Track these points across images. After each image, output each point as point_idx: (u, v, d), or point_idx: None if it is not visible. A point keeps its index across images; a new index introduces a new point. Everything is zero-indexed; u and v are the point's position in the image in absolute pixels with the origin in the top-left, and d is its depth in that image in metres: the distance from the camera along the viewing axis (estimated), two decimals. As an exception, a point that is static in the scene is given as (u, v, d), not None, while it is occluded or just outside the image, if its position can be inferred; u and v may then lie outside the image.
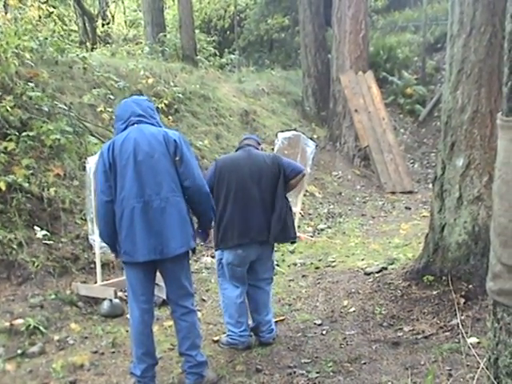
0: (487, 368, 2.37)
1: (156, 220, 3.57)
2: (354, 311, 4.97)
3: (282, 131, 8.68)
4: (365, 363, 3.97)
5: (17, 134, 6.18)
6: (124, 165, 3.59)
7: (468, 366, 3.57)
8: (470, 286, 4.62)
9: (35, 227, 5.65)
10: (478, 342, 3.89)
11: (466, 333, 3.90)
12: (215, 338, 4.56)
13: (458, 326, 4.09)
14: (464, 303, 4.52)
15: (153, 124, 3.78)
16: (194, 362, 3.73)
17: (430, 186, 7.91)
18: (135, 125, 3.72)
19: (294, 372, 3.92)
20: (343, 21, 12.71)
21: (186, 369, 3.77)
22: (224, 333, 4.55)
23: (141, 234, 3.55)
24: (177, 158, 3.67)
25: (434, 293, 4.79)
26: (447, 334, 4.26)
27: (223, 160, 4.45)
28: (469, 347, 3.54)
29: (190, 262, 3.90)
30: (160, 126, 3.84)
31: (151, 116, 3.82)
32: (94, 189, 5.30)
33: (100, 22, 18.15)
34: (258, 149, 4.58)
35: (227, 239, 4.25)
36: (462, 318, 4.29)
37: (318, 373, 3.87)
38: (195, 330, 3.79)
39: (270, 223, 4.28)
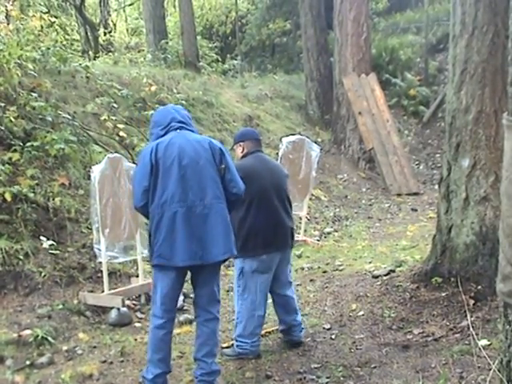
0: (499, 370, 2.36)
1: (198, 226, 3.55)
2: (362, 315, 4.94)
3: (287, 135, 8.67)
4: (375, 367, 3.94)
5: (21, 144, 6.19)
6: (168, 168, 3.57)
7: (479, 368, 3.54)
8: (479, 287, 4.60)
9: (41, 237, 5.64)
10: (489, 344, 3.87)
11: (477, 334, 3.87)
12: (224, 345, 4.53)
13: (468, 328, 4.05)
14: (473, 304, 4.50)
15: (193, 131, 3.82)
16: (208, 369, 3.68)
17: (436, 187, 7.88)
18: (177, 130, 3.72)
19: (304, 378, 3.89)
20: (345, 24, 12.71)
21: (197, 375, 3.71)
22: (232, 339, 4.52)
23: (182, 239, 3.52)
24: (222, 166, 3.70)
25: (443, 294, 4.76)
26: (457, 335, 4.24)
27: (240, 169, 4.16)
28: (480, 349, 3.51)
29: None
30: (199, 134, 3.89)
31: (190, 124, 3.86)
32: (99, 197, 5.32)
33: (102, 30, 18.19)
34: (262, 149, 4.61)
35: (248, 248, 4.18)
36: (472, 319, 4.24)
37: (328, 378, 3.85)
38: (215, 337, 3.77)
39: (291, 230, 4.43)
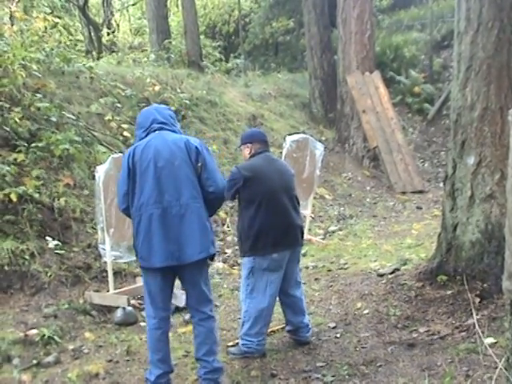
0: (506, 368, 2.35)
1: (174, 226, 3.58)
2: (367, 313, 4.94)
3: (290, 134, 8.65)
4: (380, 365, 3.94)
5: (26, 145, 6.21)
6: (144, 171, 3.63)
7: (485, 366, 3.54)
8: (485, 285, 4.58)
9: (47, 237, 5.66)
10: (495, 342, 3.85)
11: (483, 332, 3.86)
12: (229, 344, 4.54)
13: (474, 326, 4.05)
14: (479, 302, 4.48)
15: (174, 131, 3.83)
16: (210, 367, 3.72)
17: (441, 184, 7.88)
18: (157, 131, 3.75)
19: (310, 376, 3.90)
20: (348, 21, 12.67)
21: (201, 375, 3.75)
22: (237, 338, 4.52)
23: (158, 240, 3.57)
24: (199, 164, 3.70)
25: (449, 293, 4.75)
26: (463, 334, 4.22)
27: (248, 169, 4.27)
28: (486, 347, 3.51)
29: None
30: (181, 134, 3.88)
31: (172, 124, 3.87)
32: (104, 197, 5.33)
33: (105, 30, 18.22)
34: (269, 149, 4.60)
35: (258, 248, 4.19)
36: (478, 317, 4.24)
37: (333, 376, 3.85)
38: (213, 335, 3.78)
39: (301, 228, 4.45)
